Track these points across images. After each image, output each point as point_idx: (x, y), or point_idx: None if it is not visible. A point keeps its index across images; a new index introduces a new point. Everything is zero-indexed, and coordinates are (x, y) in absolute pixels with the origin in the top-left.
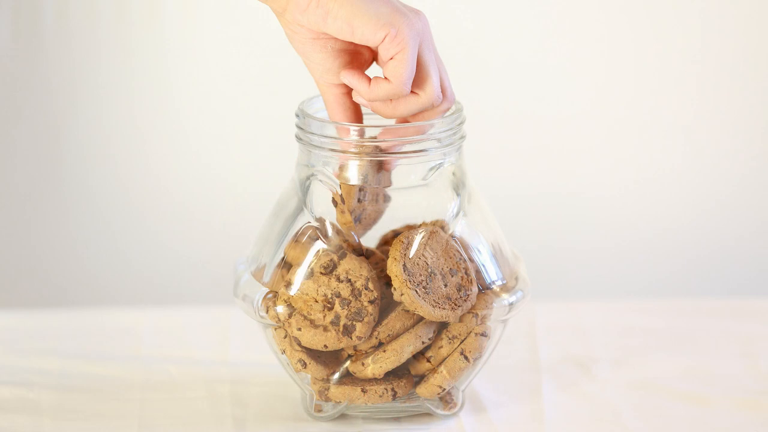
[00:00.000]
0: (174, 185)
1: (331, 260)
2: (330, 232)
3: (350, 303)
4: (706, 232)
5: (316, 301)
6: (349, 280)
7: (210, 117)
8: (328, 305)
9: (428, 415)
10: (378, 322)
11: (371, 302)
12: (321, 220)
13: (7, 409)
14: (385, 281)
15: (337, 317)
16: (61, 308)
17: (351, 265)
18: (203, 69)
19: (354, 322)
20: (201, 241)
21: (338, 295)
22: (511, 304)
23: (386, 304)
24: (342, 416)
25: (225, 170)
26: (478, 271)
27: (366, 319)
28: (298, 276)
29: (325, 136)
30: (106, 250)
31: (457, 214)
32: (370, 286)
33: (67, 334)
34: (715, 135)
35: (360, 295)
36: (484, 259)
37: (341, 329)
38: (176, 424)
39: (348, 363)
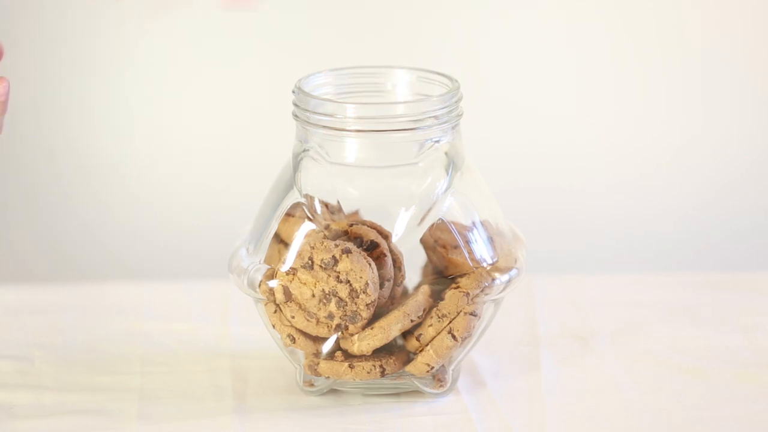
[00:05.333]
0: (177, 155)
1: (333, 257)
2: (318, 209)
3: (346, 305)
4: (706, 206)
5: (313, 296)
6: (349, 282)
7: (218, 88)
8: (325, 301)
9: None
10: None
11: (367, 306)
12: (309, 198)
13: (8, 384)
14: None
15: (331, 316)
16: (61, 282)
17: (353, 266)
18: (208, 34)
19: (347, 323)
20: (203, 215)
21: (335, 294)
22: (502, 284)
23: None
24: (340, 391)
25: (231, 142)
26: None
27: (360, 324)
28: (290, 257)
29: (320, 114)
30: (106, 223)
31: (446, 192)
32: (369, 290)
33: (67, 308)
34: (716, 106)
35: (357, 297)
36: (474, 237)
37: (333, 327)
38: (177, 397)
39: (336, 338)
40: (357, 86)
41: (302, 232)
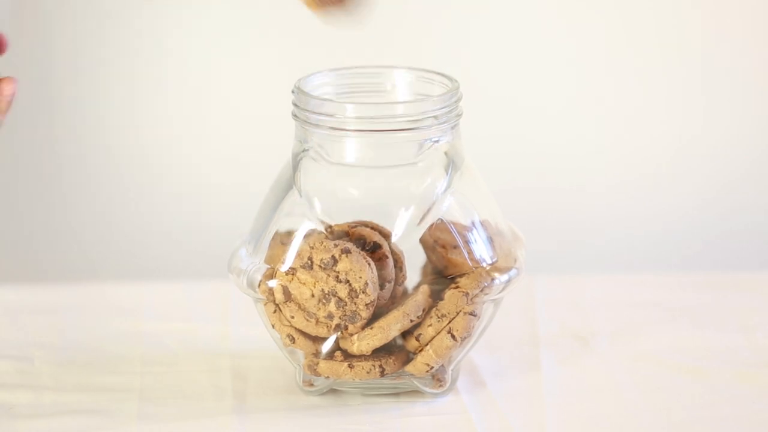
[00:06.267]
0: (177, 155)
1: (332, 257)
2: (318, 210)
3: (346, 305)
4: (706, 206)
5: (313, 296)
6: (348, 282)
7: (218, 88)
8: (324, 301)
9: None
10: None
11: (367, 306)
12: (309, 198)
13: (8, 383)
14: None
15: (331, 316)
16: (61, 282)
17: (352, 266)
18: (208, 34)
19: (347, 323)
20: (203, 215)
21: (335, 294)
22: (502, 284)
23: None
24: (340, 391)
25: (231, 142)
26: (470, 250)
27: (359, 323)
28: (290, 256)
29: (320, 114)
30: (106, 223)
31: (445, 192)
32: (368, 290)
33: (67, 308)
34: (716, 106)
35: (356, 297)
36: (474, 237)
37: (333, 326)
38: (176, 397)
39: (335, 338)
40: (357, 86)
41: (302, 232)
